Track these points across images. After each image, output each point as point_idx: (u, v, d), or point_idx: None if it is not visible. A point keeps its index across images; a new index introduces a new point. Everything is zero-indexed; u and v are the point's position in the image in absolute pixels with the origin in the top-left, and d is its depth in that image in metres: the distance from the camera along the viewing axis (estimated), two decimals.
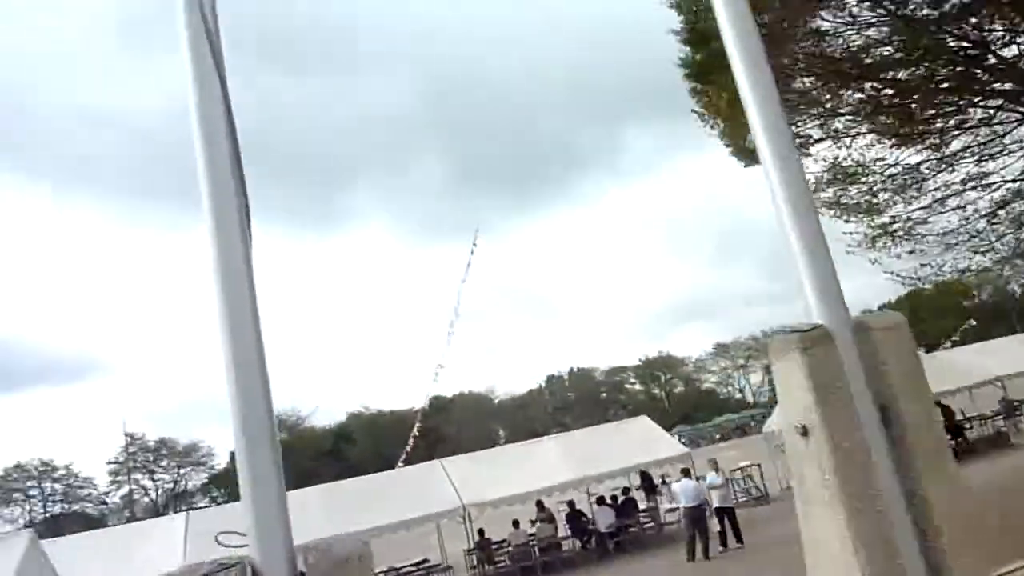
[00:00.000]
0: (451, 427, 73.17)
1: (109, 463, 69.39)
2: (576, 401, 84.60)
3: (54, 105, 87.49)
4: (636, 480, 23.09)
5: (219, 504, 54.69)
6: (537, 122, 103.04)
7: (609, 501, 19.85)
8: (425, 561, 19.38)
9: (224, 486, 70.27)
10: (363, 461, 60.88)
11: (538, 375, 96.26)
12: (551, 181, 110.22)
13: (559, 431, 40.29)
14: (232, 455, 1.74)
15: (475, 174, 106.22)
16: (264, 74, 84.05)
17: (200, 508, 48.60)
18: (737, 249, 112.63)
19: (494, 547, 19.07)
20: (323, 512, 15.59)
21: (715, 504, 15.16)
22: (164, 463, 73.67)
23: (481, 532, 18.89)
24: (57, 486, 71.53)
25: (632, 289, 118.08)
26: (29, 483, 70.38)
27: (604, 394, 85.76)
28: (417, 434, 44.88)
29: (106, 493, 71.02)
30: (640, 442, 20.09)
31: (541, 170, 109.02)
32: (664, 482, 22.82)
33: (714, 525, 14.94)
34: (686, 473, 16.26)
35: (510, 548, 18.60)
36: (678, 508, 16.67)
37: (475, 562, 19.07)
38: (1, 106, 79.08)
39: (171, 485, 72.02)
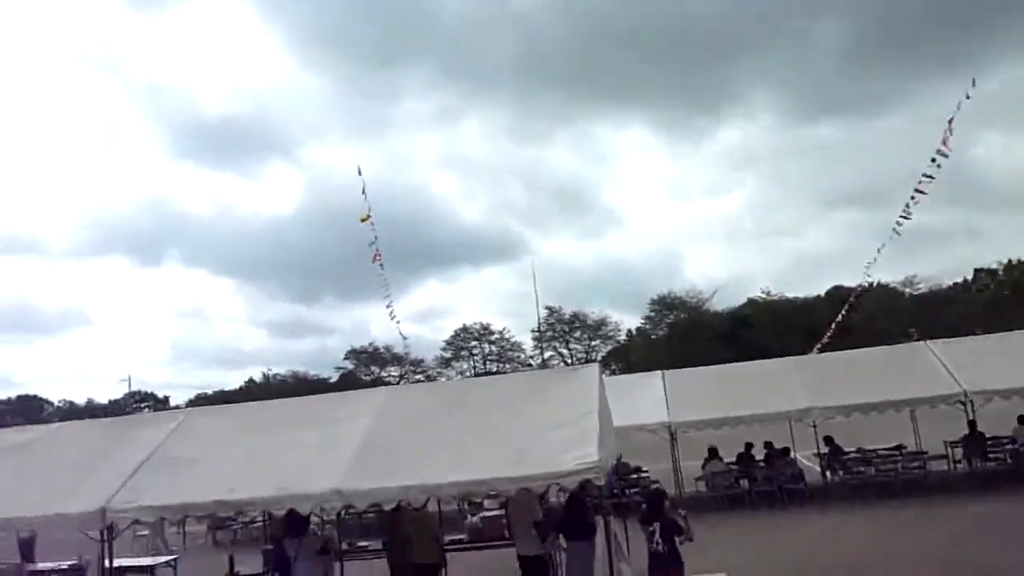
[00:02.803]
0: (858, 319, 68.16)
1: (533, 331, 78.91)
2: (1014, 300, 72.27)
3: None
4: None
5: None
6: None
7: None
8: (901, 447, 18.46)
9: (621, 360, 75.88)
10: (760, 347, 60.06)
11: (964, 268, 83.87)
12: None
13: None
14: None
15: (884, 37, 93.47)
16: None
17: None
18: None
19: (989, 442, 17.33)
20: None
21: None
22: (577, 334, 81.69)
23: (972, 424, 17.22)
24: (493, 347, 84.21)
25: None
26: (472, 343, 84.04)
27: None
28: (834, 323, 42.38)
29: (531, 357, 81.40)
30: None
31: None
32: None
33: None
34: None
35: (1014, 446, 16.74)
36: None
37: (961, 456, 17.61)
38: None
39: (583, 355, 79.57)
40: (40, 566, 12.44)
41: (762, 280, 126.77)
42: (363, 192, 28.52)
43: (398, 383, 63.48)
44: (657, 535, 8.03)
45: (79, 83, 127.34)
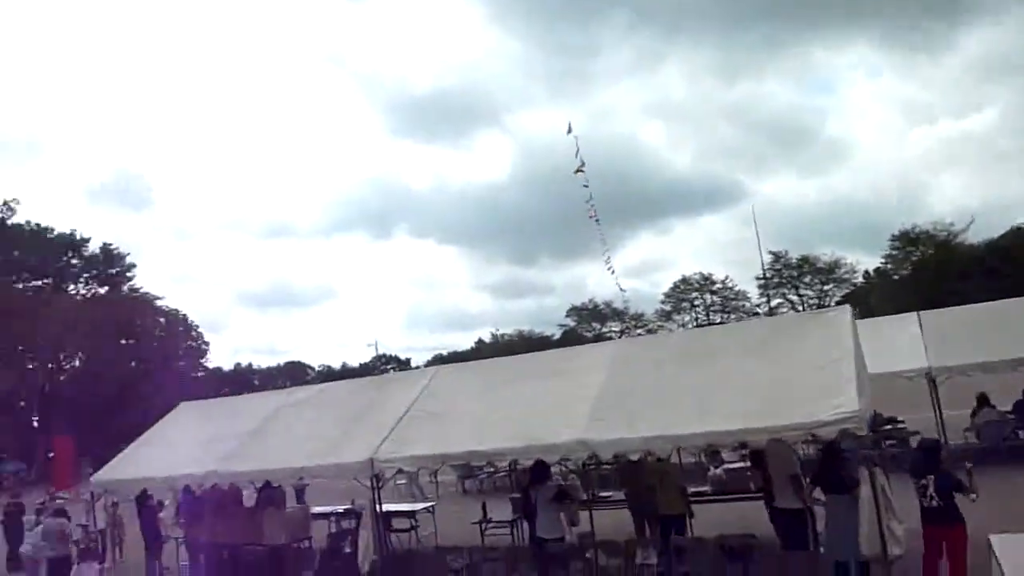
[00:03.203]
0: None
1: (758, 279, 75.27)
2: None
3: None
4: None
5: None
6: None
7: None
8: None
9: (859, 305, 69.82)
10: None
11: None
12: None
13: None
14: None
15: None
16: None
17: None
18: None
19: None
20: None
21: None
22: (807, 280, 76.69)
23: None
24: (715, 298, 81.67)
25: None
26: (693, 294, 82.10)
27: None
28: None
29: (757, 306, 77.86)
30: None
31: None
32: None
33: None
34: None
35: None
36: None
37: None
38: None
39: (815, 301, 74.59)
40: (319, 510, 13.95)
41: None
42: (576, 146, 28.57)
43: (619, 338, 63.73)
44: (931, 489, 7.28)
45: (311, 76, 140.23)
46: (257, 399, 14.52)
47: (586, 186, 29.18)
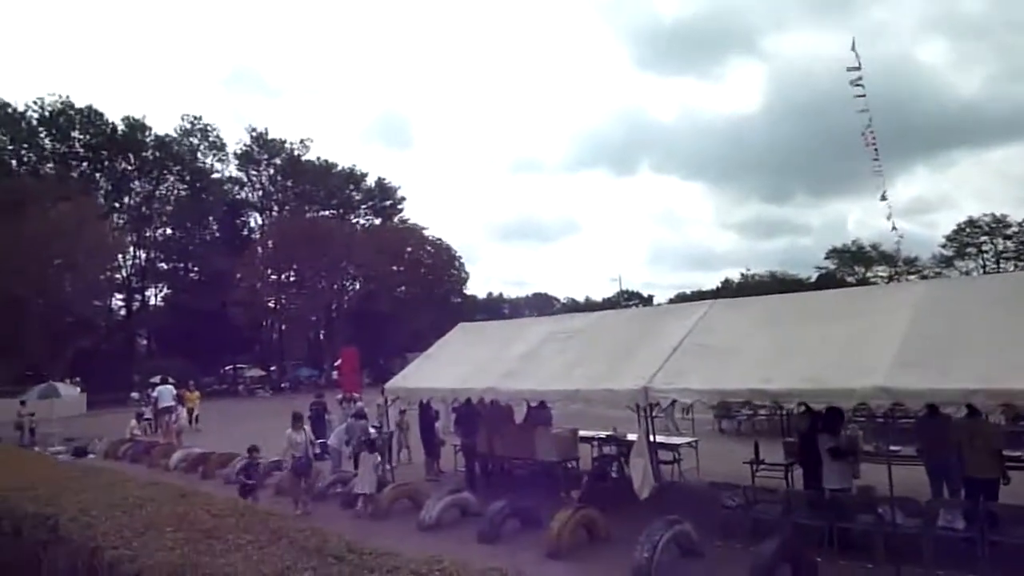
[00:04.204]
0: None
1: None
2: None
3: None
4: None
5: None
6: None
7: None
8: None
9: None
10: None
11: None
12: None
13: None
14: None
15: None
16: None
17: None
18: None
19: None
20: None
21: None
22: None
23: None
24: (1009, 243, 70.98)
25: None
26: (981, 239, 71.98)
27: None
28: None
29: None
30: None
31: None
32: None
33: None
34: None
35: None
36: None
37: None
38: None
39: None
40: (583, 433, 14.39)
41: None
42: (856, 61, 25.79)
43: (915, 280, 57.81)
44: None
45: (555, 9, 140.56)
46: (530, 324, 15.22)
47: (865, 110, 26.31)
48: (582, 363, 11.04)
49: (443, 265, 68.49)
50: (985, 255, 72.13)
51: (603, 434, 14.17)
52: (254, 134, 67.52)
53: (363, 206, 74.39)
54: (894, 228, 36.30)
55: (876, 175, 29.26)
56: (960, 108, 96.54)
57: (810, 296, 10.67)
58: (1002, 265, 70.06)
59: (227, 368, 63.54)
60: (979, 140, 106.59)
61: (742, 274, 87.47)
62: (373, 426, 15.76)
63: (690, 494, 10.97)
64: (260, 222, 69.45)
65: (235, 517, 5.50)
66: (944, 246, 73.16)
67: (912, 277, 68.75)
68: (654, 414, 15.83)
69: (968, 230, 72.15)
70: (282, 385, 57.67)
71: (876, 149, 27.55)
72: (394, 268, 64.19)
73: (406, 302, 64.13)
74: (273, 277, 59.70)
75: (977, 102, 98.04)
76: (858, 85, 25.93)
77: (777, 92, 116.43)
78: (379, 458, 13.08)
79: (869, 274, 75.11)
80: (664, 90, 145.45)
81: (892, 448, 10.04)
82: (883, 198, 30.22)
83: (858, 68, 25.80)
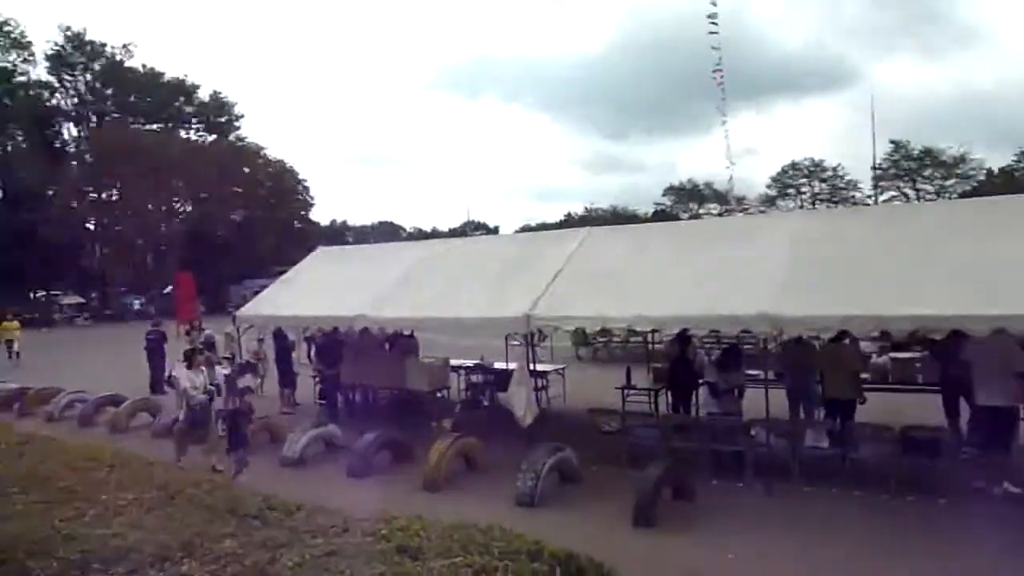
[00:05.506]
0: None
1: (873, 168, 70.70)
2: None
3: None
4: None
5: None
6: None
7: None
8: None
9: None
10: None
11: None
12: None
13: None
14: None
15: None
16: None
17: None
18: None
19: None
20: None
21: None
22: (927, 173, 71.60)
23: None
24: (824, 185, 77.54)
25: None
26: (801, 180, 78.12)
27: None
28: None
29: (868, 197, 73.57)
30: None
31: None
32: None
33: None
34: None
35: None
36: None
37: None
38: None
39: (933, 197, 69.85)
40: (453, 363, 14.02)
41: None
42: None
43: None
44: None
45: None
46: (396, 249, 14.54)
47: (716, 48, 26.88)
48: (460, 290, 10.58)
49: (286, 189, 64.92)
50: (803, 196, 78.48)
51: (470, 363, 13.91)
52: (68, 34, 59.66)
53: (195, 120, 68.34)
54: (732, 164, 38.28)
55: (709, 117, 30.46)
56: (783, 59, 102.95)
57: (687, 225, 10.82)
58: (817, 205, 76.46)
59: (39, 295, 57.46)
60: (800, 90, 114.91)
61: (586, 208, 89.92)
62: (225, 357, 14.62)
63: (564, 421, 10.99)
64: (76, 134, 62.17)
65: (103, 470, 4.50)
66: (769, 186, 78.81)
67: (740, 215, 73.63)
68: (513, 342, 15.70)
69: (791, 172, 78.09)
70: (106, 312, 53.05)
71: (723, 89, 28.46)
72: (231, 189, 60.06)
73: (245, 226, 60.41)
74: (93, 195, 54.00)
75: (798, 55, 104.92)
76: (713, 24, 26.44)
77: (623, 30, 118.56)
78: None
79: (702, 211, 79.62)
80: (514, 18, 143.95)
81: (751, 372, 10.50)
82: (725, 136, 31.62)
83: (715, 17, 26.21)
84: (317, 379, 13.69)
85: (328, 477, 9.28)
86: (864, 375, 9.68)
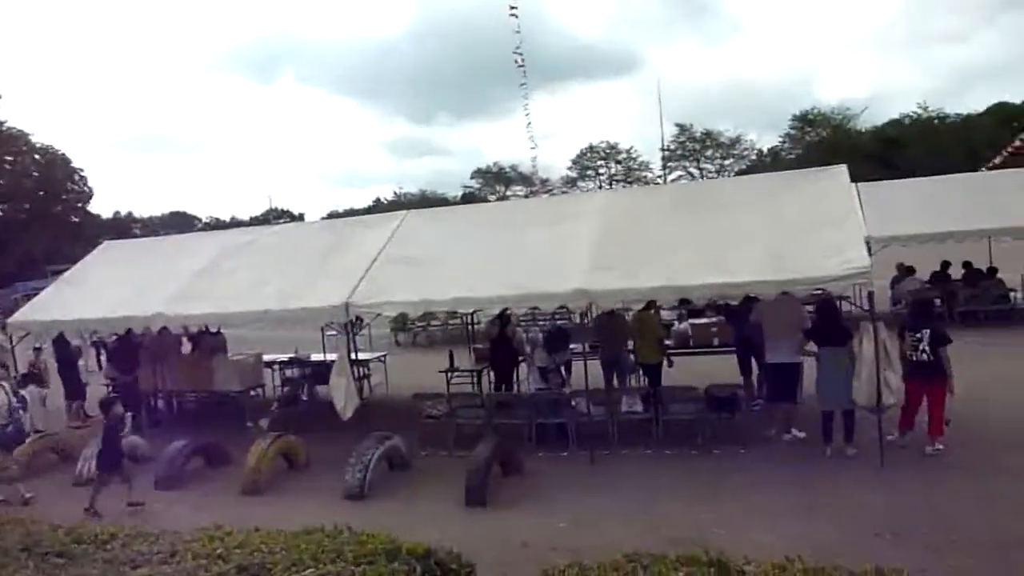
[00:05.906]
0: None
1: (662, 150, 76.24)
2: None
3: None
4: None
5: None
6: None
7: None
8: None
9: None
10: (915, 169, 55.19)
11: None
12: None
13: None
14: None
15: None
16: None
17: None
18: None
19: None
20: None
21: None
22: (708, 153, 78.40)
23: None
24: (619, 167, 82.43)
25: None
26: (599, 162, 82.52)
27: None
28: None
29: (659, 177, 79.21)
30: None
31: None
32: None
33: None
34: None
35: None
36: None
37: None
38: None
39: (715, 175, 76.63)
40: (268, 357, 13.30)
41: (911, 96, 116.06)
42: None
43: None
44: (924, 343, 7.56)
45: None
46: (195, 239, 13.51)
47: (517, 31, 27.39)
48: (269, 280, 9.98)
49: (57, 179, 58.16)
50: (601, 177, 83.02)
51: (285, 357, 13.28)
52: None
53: None
54: (534, 147, 39.72)
55: (513, 101, 31.23)
56: (577, 47, 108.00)
57: (500, 206, 10.95)
58: (613, 186, 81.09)
59: None
60: (593, 75, 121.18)
61: (395, 192, 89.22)
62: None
63: (389, 408, 10.79)
64: None
65: None
66: (570, 168, 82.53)
67: (545, 196, 76.40)
68: (329, 333, 15.22)
69: (588, 155, 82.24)
70: None
71: (524, 73, 29.13)
72: None
73: (10, 222, 53.54)
74: None
75: (590, 40, 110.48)
76: (512, 11, 26.88)
77: (421, 16, 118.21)
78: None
79: (509, 193, 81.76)
80: (307, 1, 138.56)
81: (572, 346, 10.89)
82: (527, 119, 32.56)
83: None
84: (111, 388, 12.38)
85: (134, 490, 8.43)
86: (668, 341, 10.37)
